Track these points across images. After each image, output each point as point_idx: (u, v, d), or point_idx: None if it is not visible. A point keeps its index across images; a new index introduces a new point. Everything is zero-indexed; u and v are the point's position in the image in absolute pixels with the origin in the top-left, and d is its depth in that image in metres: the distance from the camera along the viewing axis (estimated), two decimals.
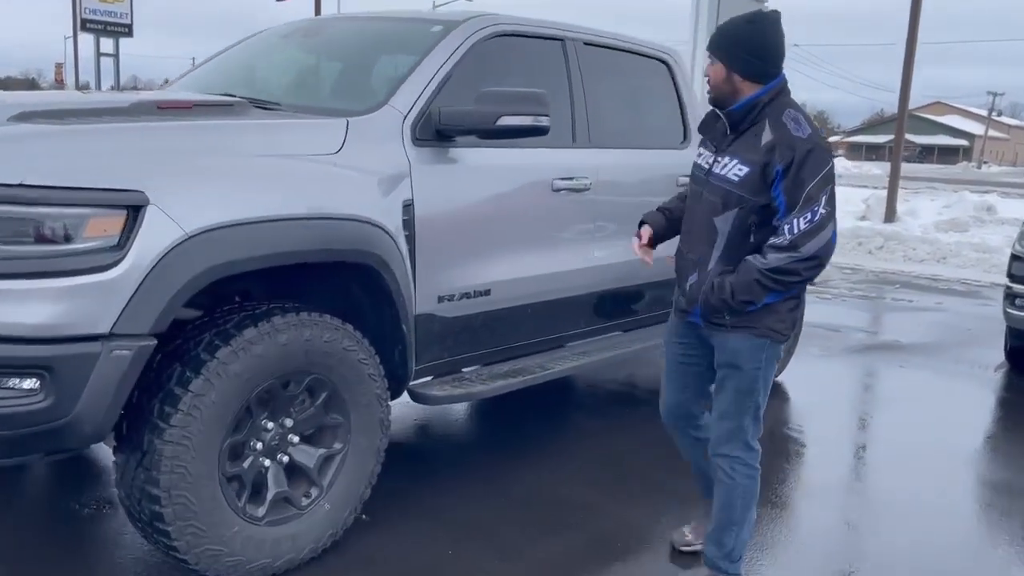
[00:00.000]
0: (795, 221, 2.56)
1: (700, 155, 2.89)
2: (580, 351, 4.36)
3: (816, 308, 8.00)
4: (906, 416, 5.32)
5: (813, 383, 5.87)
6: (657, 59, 4.87)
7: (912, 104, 17.89)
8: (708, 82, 2.77)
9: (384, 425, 3.23)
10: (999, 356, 6.75)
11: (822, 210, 2.57)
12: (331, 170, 3.02)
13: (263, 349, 2.77)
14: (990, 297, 9.75)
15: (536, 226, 3.91)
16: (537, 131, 3.46)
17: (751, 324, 2.72)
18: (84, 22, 31.97)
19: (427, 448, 4.46)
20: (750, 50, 2.67)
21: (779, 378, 5.69)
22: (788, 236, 2.57)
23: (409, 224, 3.27)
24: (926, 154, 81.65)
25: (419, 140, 3.37)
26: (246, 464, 2.88)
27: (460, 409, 4.98)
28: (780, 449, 4.57)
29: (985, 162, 73.30)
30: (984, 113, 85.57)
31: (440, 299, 3.49)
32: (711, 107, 2.85)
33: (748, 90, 2.69)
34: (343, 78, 3.98)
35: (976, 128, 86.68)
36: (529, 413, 5.00)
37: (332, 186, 2.99)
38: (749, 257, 2.66)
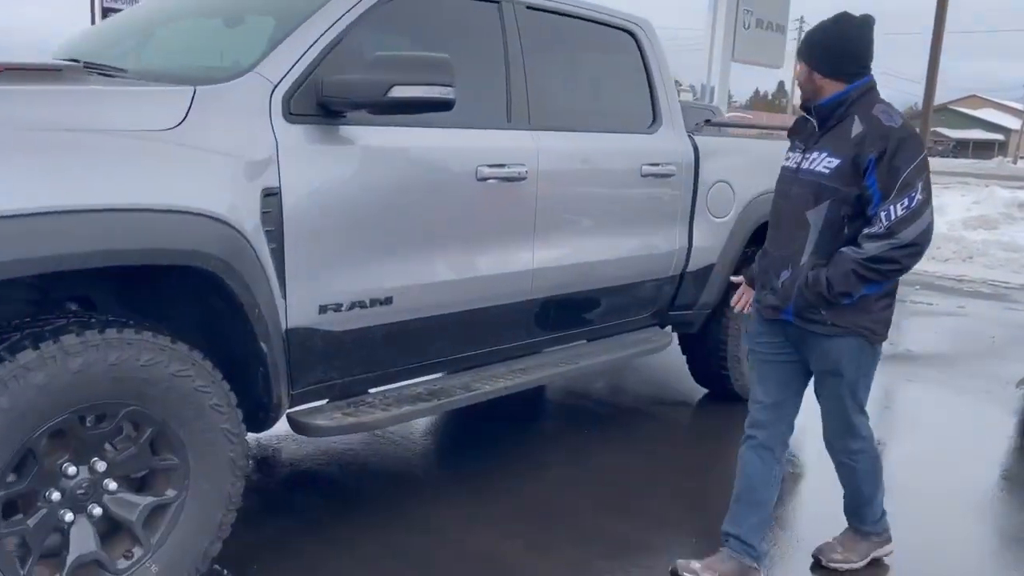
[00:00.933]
0: (892, 208, 2.57)
1: (788, 158, 2.93)
2: (520, 368, 3.74)
3: None
4: (908, 446, 4.63)
5: (807, 400, 5.17)
6: (622, 29, 4.21)
7: (946, 97, 17.08)
8: (798, 80, 2.84)
9: (237, 465, 2.63)
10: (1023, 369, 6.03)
11: (919, 196, 2.58)
12: (160, 149, 2.40)
13: (44, 377, 2.17)
14: (1018, 301, 8.98)
15: (454, 222, 3.27)
16: (439, 105, 2.83)
17: (846, 325, 2.73)
18: (106, 11, 32.08)
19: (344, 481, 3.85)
20: (830, 49, 2.74)
21: None
22: (885, 223, 2.58)
23: (274, 218, 2.66)
24: (960, 149, 79.67)
25: (294, 115, 2.75)
26: (32, 521, 2.28)
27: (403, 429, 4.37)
28: None
29: (1022, 157, 71.37)
30: (1022, 107, 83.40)
31: (323, 309, 2.87)
32: (801, 110, 2.89)
33: (831, 88, 2.74)
34: (216, 40, 3.36)
35: (1013, 123, 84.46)
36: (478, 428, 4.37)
37: (159, 170, 2.38)
38: (844, 249, 2.65)
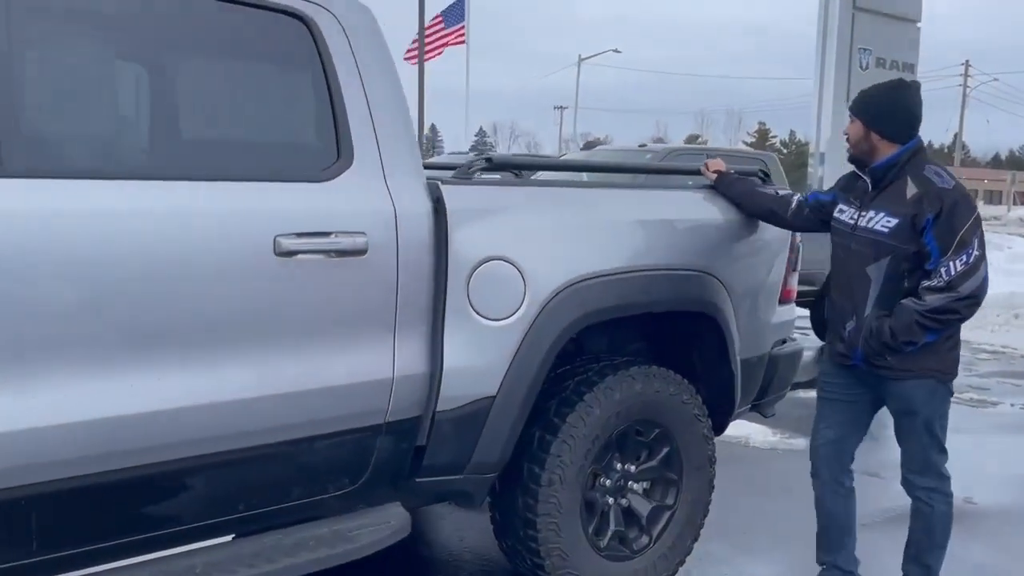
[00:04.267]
0: (951, 264, 2.77)
1: (842, 211, 3.07)
2: None
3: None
4: None
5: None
6: (284, 13, 2.52)
7: None
8: (847, 139, 3.03)
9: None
10: None
11: (975, 252, 2.78)
12: None
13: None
14: None
15: None
16: None
17: (914, 368, 2.89)
18: None
19: None
20: (892, 113, 2.95)
21: None
22: (945, 278, 2.77)
23: None
24: None
25: None
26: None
27: None
28: None
29: None
30: None
31: None
32: (850, 164, 3.08)
33: (886, 149, 2.94)
34: None
35: None
36: None
37: None
38: (905, 301, 2.84)
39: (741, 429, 5.42)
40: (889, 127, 2.91)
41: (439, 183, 2.67)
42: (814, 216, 3.22)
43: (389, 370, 2.54)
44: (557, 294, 2.79)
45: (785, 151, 67.23)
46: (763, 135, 72.35)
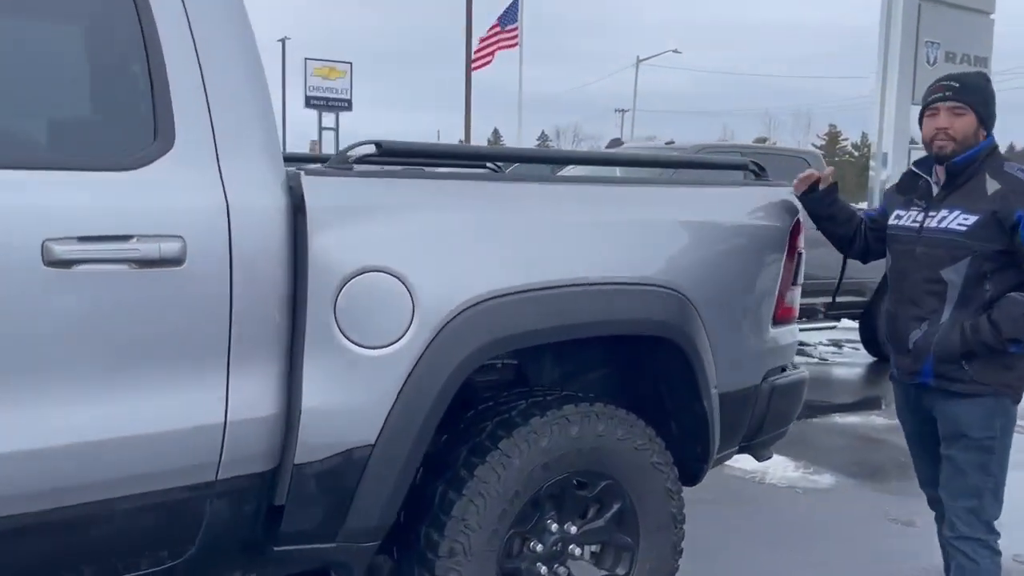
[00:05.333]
0: None
1: (900, 216, 2.84)
2: None
3: None
4: None
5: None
6: None
7: None
8: (948, 132, 2.68)
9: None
10: None
11: None
12: None
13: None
14: None
15: None
16: None
17: (992, 382, 2.63)
18: (308, 99, 33.67)
19: None
20: (992, 103, 2.75)
21: None
22: None
23: None
24: None
25: None
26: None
27: None
28: None
29: None
30: None
31: None
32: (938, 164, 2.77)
33: (976, 142, 2.70)
34: None
35: None
36: None
37: None
38: (1012, 294, 2.59)
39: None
40: (992, 119, 2.72)
41: (300, 174, 2.10)
42: (873, 237, 2.98)
43: (219, 413, 1.97)
44: (457, 315, 2.19)
45: (856, 153, 64.98)
46: (833, 138, 70.01)
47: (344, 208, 2.12)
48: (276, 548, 2.16)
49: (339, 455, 2.12)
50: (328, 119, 34.60)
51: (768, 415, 2.99)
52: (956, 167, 2.69)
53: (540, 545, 2.50)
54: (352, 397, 2.12)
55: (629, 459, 2.56)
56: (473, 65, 24.38)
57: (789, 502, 4.47)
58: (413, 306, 2.15)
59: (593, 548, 2.65)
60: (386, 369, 2.14)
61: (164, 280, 1.89)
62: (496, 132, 75.25)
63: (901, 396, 2.92)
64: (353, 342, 2.10)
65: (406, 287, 2.15)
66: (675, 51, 41.51)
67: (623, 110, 53.03)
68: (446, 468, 2.36)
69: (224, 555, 2.13)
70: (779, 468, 4.84)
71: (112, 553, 1.95)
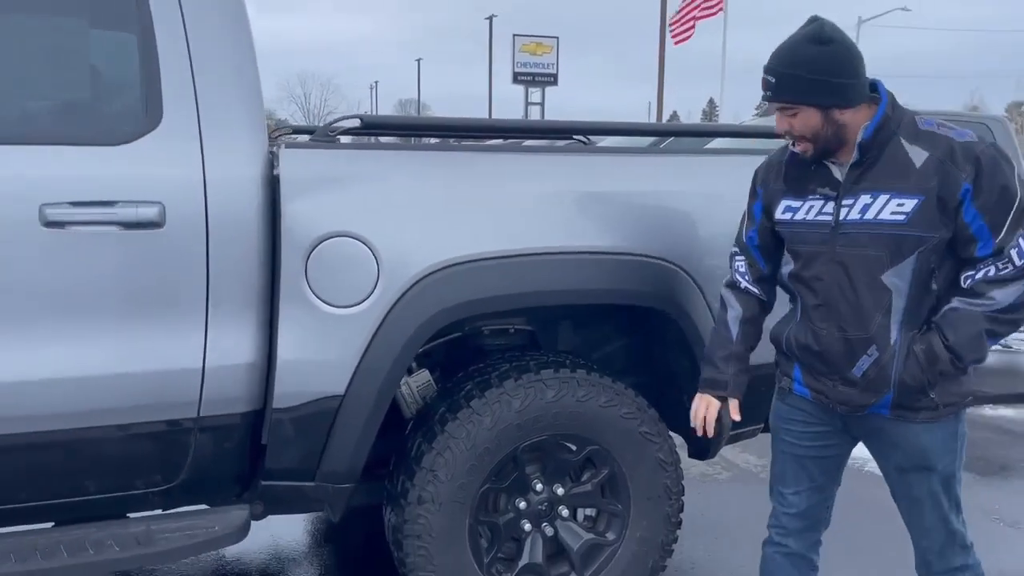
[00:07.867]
0: (1018, 240, 2.03)
1: (794, 210, 2.19)
2: None
3: None
4: None
5: None
6: None
7: None
8: (793, 143, 2.13)
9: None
10: None
11: None
12: None
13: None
14: None
15: None
16: None
17: (954, 401, 2.15)
18: (516, 75, 34.53)
19: None
20: (841, 68, 2.06)
21: None
22: (1017, 261, 2.03)
23: None
24: None
25: None
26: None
27: None
28: None
29: None
30: None
31: None
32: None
33: (858, 117, 2.08)
34: None
35: None
36: None
37: None
38: (957, 306, 2.08)
39: None
40: (850, 90, 2.04)
41: (280, 147, 2.32)
42: (769, 247, 2.30)
43: (198, 359, 2.25)
44: (420, 279, 2.34)
45: None
46: None
47: (316, 178, 2.32)
48: (264, 482, 2.43)
49: (312, 403, 2.35)
50: (535, 94, 35.14)
51: None
52: (866, 144, 2.07)
53: (524, 503, 2.61)
54: (323, 351, 2.33)
55: (616, 426, 2.59)
56: (673, 39, 23.84)
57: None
58: (378, 270, 2.32)
59: (588, 512, 2.72)
60: (354, 327, 2.33)
61: (147, 241, 2.19)
62: (711, 102, 73.15)
63: (794, 411, 2.30)
64: (324, 301, 2.31)
65: (372, 252, 2.32)
66: (904, 9, 38.30)
67: None
68: (425, 422, 2.52)
69: (217, 483, 2.43)
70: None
71: (111, 470, 2.29)
